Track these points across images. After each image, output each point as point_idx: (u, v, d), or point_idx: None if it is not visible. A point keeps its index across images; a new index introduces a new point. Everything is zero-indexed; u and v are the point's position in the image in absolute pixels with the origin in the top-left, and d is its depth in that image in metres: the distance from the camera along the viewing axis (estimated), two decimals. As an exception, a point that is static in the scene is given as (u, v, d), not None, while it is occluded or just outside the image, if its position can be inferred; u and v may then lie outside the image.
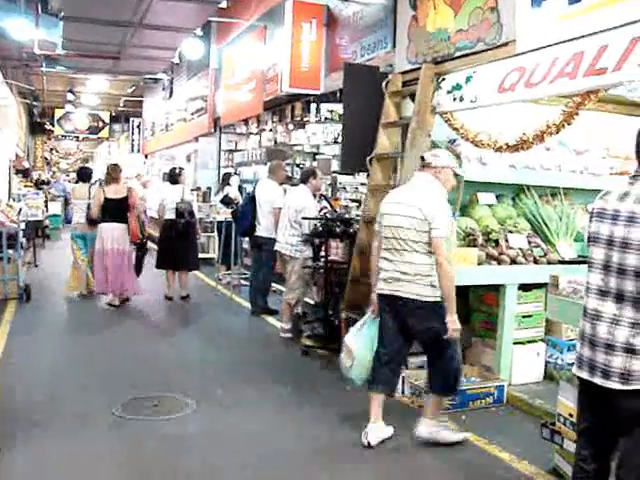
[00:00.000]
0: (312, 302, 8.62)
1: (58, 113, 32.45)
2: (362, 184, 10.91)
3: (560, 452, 4.45)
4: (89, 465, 4.59)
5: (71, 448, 4.86)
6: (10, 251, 10.13)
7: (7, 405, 5.45)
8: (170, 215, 10.31)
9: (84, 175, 11.56)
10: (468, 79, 6.24)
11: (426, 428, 5.02)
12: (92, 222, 10.10)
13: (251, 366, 7.05)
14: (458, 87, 6.34)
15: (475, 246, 6.16)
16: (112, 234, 9.74)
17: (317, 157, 12.63)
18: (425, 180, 4.95)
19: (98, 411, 5.56)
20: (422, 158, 5.04)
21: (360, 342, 5.17)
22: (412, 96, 6.91)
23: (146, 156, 27.50)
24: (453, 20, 6.61)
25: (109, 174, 10.09)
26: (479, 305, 6.55)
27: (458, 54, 6.51)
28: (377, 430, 5.01)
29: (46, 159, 42.50)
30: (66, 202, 21.91)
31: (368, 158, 7.21)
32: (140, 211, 10.40)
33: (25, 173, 26.97)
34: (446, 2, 6.73)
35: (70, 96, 27.01)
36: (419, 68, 6.84)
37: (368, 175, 7.59)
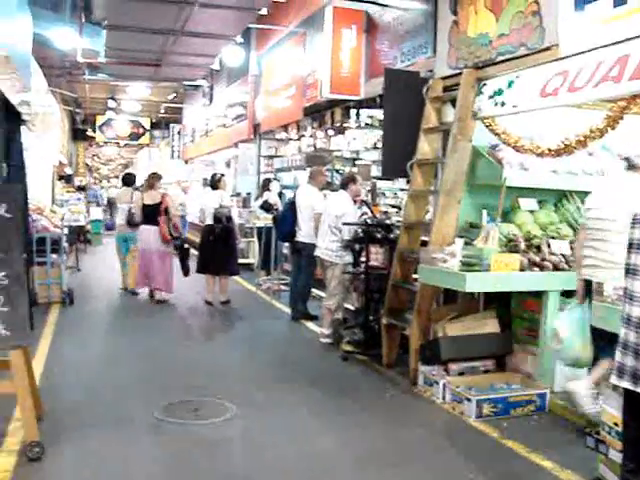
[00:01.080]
0: (352, 308, 8.62)
1: (100, 120, 32.91)
2: (401, 190, 10.92)
3: (605, 462, 4.38)
4: (129, 466, 4.64)
5: (112, 449, 4.92)
6: (54, 256, 10.33)
7: (52, 405, 5.52)
8: (210, 220, 10.43)
9: (128, 180, 12.34)
10: (510, 84, 6.18)
11: (582, 385, 5.18)
12: (131, 224, 11.04)
13: (291, 371, 7.06)
14: (500, 92, 6.29)
15: (517, 252, 6.11)
16: (149, 235, 10.57)
17: (357, 163, 12.63)
18: (633, 179, 5.24)
19: (139, 413, 5.62)
20: (627, 159, 5.33)
21: (567, 327, 5.35)
22: (453, 101, 6.87)
23: (186, 162, 27.73)
24: (494, 25, 6.59)
25: (147, 181, 11.05)
26: (521, 311, 6.49)
27: (500, 59, 6.48)
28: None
29: (87, 165, 43.04)
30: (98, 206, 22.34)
31: (409, 164, 7.19)
32: (173, 215, 10.74)
33: (67, 179, 27.34)
34: (487, 7, 6.70)
35: (112, 103, 27.42)
36: (460, 73, 6.80)
37: (408, 181, 7.57)
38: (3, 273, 4.66)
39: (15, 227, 4.75)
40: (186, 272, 10.91)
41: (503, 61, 6.43)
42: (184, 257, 10.89)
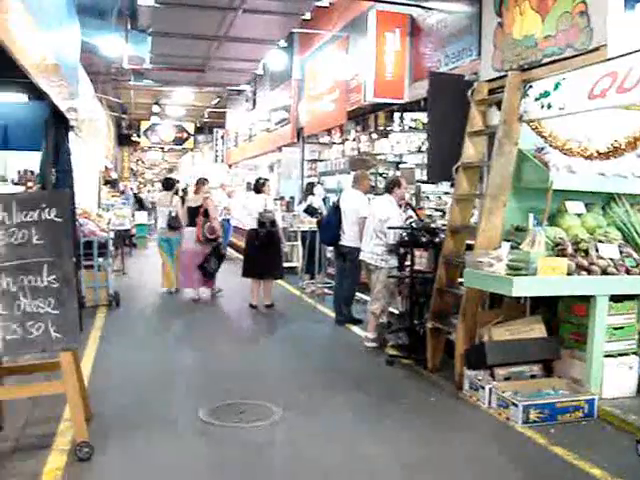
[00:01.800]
0: (397, 312, 8.60)
1: (144, 125, 33.25)
2: (445, 193, 10.85)
3: (656, 469, 4.31)
4: (175, 468, 4.69)
5: (159, 451, 4.98)
6: (100, 259, 10.50)
7: (100, 408, 5.60)
8: (254, 225, 10.49)
9: (167, 184, 12.83)
10: (557, 86, 6.11)
11: None
12: (171, 227, 11.62)
13: (336, 375, 7.06)
14: (546, 94, 6.22)
15: (564, 256, 6.02)
16: (192, 236, 11.24)
17: (400, 166, 12.59)
18: None
19: (185, 416, 5.67)
20: None
21: None
22: (498, 104, 6.82)
23: (230, 166, 27.91)
24: (540, 26, 6.50)
25: (195, 185, 11.83)
26: (568, 316, 6.40)
27: (546, 60, 6.39)
28: None
29: (132, 170, 43.56)
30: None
31: (454, 167, 7.14)
32: (212, 217, 11.14)
33: (113, 184, 27.72)
34: (533, 8, 6.62)
35: (156, 108, 27.73)
36: (505, 76, 6.74)
37: (452, 184, 7.52)
38: (53, 276, 4.74)
39: (65, 231, 4.83)
40: (206, 273, 11.20)
41: (549, 63, 6.33)
42: (214, 257, 11.18)
